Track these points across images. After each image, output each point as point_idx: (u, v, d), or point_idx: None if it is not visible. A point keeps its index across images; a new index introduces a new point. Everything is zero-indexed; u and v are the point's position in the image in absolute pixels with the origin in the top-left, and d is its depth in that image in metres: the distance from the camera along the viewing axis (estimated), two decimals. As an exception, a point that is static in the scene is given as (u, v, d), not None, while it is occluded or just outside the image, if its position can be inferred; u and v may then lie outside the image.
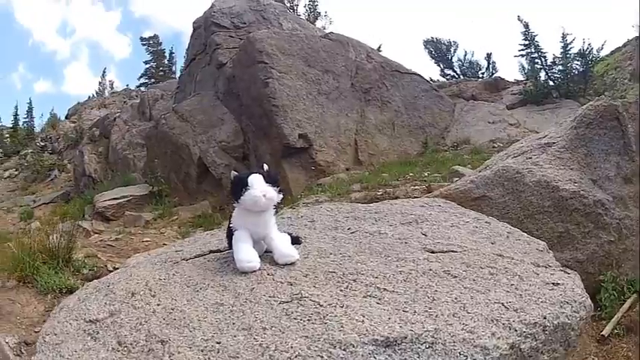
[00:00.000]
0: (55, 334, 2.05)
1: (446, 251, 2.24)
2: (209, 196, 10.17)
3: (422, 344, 1.56)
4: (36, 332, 3.68)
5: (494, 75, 17.38)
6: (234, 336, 1.73)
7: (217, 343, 1.72)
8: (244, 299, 1.95)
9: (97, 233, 9.66)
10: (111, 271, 4.97)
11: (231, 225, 2.26)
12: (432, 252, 2.24)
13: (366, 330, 1.62)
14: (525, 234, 2.67)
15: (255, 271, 2.15)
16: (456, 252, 2.23)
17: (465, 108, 13.09)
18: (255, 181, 2.11)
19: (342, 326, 1.65)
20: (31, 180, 18.50)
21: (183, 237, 8.48)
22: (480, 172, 4.22)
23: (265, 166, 2.23)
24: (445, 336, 1.59)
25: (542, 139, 4.05)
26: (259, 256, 2.22)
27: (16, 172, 19.40)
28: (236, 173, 2.22)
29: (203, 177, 10.49)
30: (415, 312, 1.71)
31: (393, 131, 10.94)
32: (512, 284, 1.93)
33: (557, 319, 1.75)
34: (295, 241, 2.42)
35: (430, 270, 2.02)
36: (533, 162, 3.78)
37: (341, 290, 1.92)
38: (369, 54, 11.95)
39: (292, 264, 2.19)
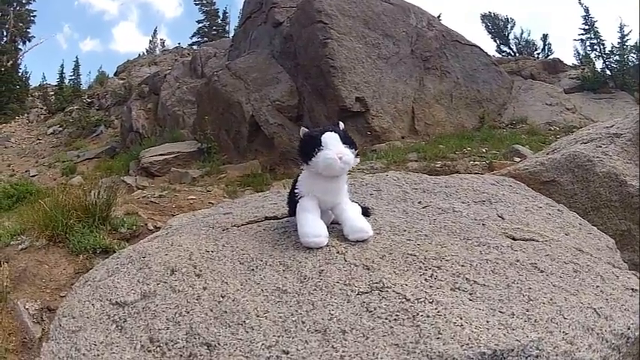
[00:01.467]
0: (74, 318, 1.68)
1: (527, 239, 1.98)
2: (259, 155, 10.07)
3: (527, 358, 1.33)
4: (61, 297, 3.49)
5: (550, 56, 16.91)
6: (306, 342, 1.37)
7: (284, 352, 1.34)
8: (312, 285, 1.61)
9: (140, 189, 9.64)
10: (151, 231, 4.67)
11: (296, 190, 1.89)
12: (514, 239, 1.98)
13: (469, 339, 1.33)
14: (595, 228, 2.43)
15: (321, 247, 1.80)
16: (538, 241, 1.97)
17: (523, 86, 12.68)
18: (330, 140, 1.75)
19: (439, 332, 1.35)
20: (76, 136, 18.67)
21: (231, 196, 8.40)
22: (547, 154, 3.96)
23: (341, 124, 1.86)
24: (548, 347, 1.36)
25: (610, 128, 3.81)
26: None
27: (60, 129, 19.64)
28: (306, 130, 1.84)
29: (254, 136, 10.39)
30: (513, 314, 1.46)
31: (450, 102, 10.58)
32: (597, 286, 1.71)
33: (637, 331, 1.54)
34: (365, 212, 2.05)
35: (517, 261, 1.77)
36: (603, 151, 3.51)
37: (426, 280, 1.62)
38: (430, 22, 11.53)
39: (364, 241, 1.84)
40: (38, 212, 4.28)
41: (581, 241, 2.12)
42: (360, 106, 9.32)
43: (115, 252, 4.02)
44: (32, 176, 14.65)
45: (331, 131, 1.78)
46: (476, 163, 7.54)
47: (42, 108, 22.79)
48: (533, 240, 1.98)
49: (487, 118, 10.67)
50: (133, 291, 1.73)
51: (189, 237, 2.08)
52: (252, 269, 1.74)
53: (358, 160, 1.82)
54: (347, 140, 1.78)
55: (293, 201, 1.92)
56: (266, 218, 2.26)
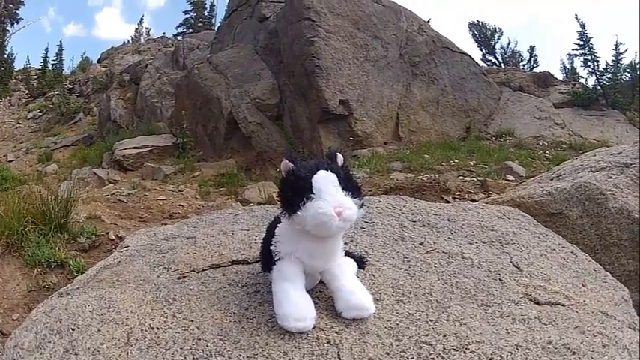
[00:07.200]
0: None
1: (553, 303, 1.68)
2: (236, 154, 9.69)
3: None
4: (14, 320, 3.34)
5: (535, 69, 16.86)
6: None
7: None
8: None
9: (112, 183, 9.38)
10: (112, 241, 4.45)
11: (272, 247, 1.41)
12: (538, 303, 1.67)
13: None
14: (609, 274, 2.20)
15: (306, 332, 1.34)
16: (564, 306, 1.68)
17: (511, 98, 12.44)
18: (326, 185, 1.25)
19: None
20: (55, 122, 18.34)
21: (203, 198, 8.02)
22: (551, 180, 3.81)
23: (340, 157, 1.34)
24: None
25: (618, 156, 3.64)
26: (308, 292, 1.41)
27: (40, 114, 19.29)
28: (291, 165, 1.31)
29: (231, 133, 9.97)
30: None
31: (436, 110, 10.27)
32: (625, 366, 1.47)
33: None
34: (359, 263, 1.59)
35: (549, 343, 1.41)
36: (614, 183, 3.30)
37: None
38: (421, 26, 11.22)
39: (363, 319, 1.39)
40: None
41: (601, 296, 1.88)
42: (343, 109, 8.96)
43: (70, 266, 3.79)
44: (10, 161, 14.46)
45: (326, 169, 1.28)
46: (466, 179, 7.18)
47: (24, 91, 22.35)
48: (559, 304, 1.68)
49: (473, 128, 10.41)
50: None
51: (133, 292, 1.65)
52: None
53: (363, 212, 1.30)
54: (349, 184, 1.28)
55: (268, 256, 1.44)
56: (233, 262, 1.81)
